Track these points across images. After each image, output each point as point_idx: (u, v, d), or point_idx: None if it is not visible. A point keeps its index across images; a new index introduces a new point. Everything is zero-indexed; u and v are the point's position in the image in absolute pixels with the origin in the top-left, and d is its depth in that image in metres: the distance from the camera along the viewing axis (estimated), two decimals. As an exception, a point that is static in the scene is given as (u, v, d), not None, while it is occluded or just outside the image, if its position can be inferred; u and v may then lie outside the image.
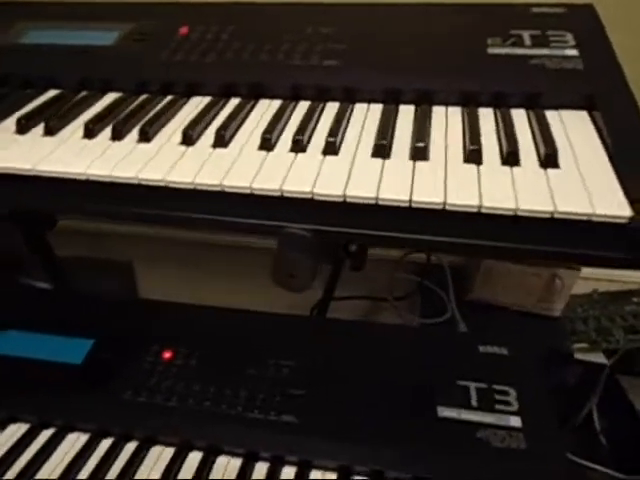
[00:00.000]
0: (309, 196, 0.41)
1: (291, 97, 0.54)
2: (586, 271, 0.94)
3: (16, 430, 0.58)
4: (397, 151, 0.44)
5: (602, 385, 0.83)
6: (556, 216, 0.37)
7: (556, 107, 0.48)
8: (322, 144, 0.46)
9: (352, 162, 0.43)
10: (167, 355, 0.65)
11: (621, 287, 0.99)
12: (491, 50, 0.53)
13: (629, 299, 0.97)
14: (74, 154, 0.47)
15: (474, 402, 0.57)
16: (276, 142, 0.47)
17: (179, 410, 0.58)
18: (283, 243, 0.41)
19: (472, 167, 0.42)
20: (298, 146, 0.45)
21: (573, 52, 0.52)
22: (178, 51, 0.58)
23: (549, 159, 0.41)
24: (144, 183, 0.44)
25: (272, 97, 0.54)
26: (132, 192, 0.44)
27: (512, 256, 0.38)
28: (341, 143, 0.46)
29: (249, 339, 0.67)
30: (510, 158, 0.42)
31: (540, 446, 0.53)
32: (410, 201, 0.39)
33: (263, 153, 0.45)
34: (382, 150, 0.44)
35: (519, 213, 0.37)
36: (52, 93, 0.58)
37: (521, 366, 0.62)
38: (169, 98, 0.55)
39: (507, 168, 0.41)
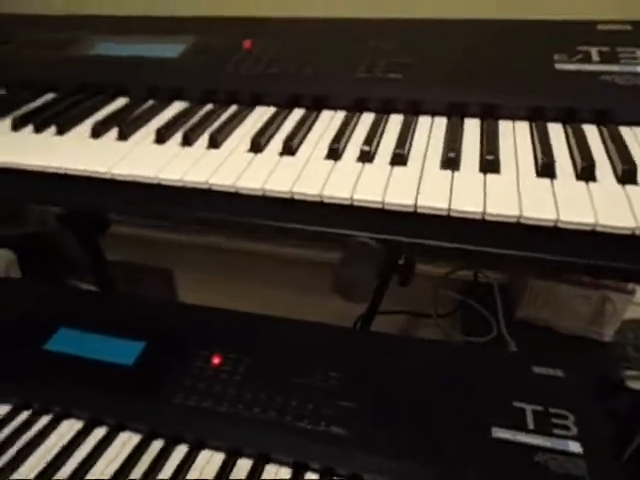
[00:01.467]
0: (379, 205, 0.41)
1: (354, 109, 0.54)
2: (639, 295, 0.90)
3: (70, 426, 0.59)
4: (466, 163, 0.44)
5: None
6: (637, 232, 0.36)
7: (629, 124, 0.47)
8: (389, 155, 0.46)
9: (421, 173, 0.43)
10: (216, 360, 0.66)
11: (677, 314, 0.95)
12: (559, 66, 0.52)
13: (685, 326, 0.93)
14: (146, 158, 0.48)
15: (530, 424, 0.56)
16: (343, 152, 0.47)
17: (229, 415, 0.59)
18: (349, 252, 0.41)
19: (545, 181, 0.41)
20: (366, 156, 0.46)
21: (644, 69, 0.51)
22: (243, 63, 0.60)
23: (626, 175, 0.40)
24: (214, 188, 0.45)
25: (335, 108, 0.55)
26: (201, 197, 0.45)
27: (591, 273, 0.37)
28: (409, 154, 0.46)
29: (297, 348, 0.67)
30: (585, 173, 0.41)
31: (602, 474, 0.51)
32: (484, 213, 0.38)
33: (330, 162, 0.46)
34: (451, 162, 0.44)
35: (598, 229, 0.37)
36: (122, 101, 0.60)
37: (578, 390, 0.60)
38: (234, 107, 0.57)
39: (582, 183, 0.41)
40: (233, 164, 0.46)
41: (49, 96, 0.63)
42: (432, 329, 0.98)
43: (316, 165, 0.46)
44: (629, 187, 0.40)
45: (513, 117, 0.50)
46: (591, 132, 0.47)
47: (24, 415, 0.61)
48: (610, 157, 0.43)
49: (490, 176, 0.42)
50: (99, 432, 0.59)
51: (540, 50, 0.55)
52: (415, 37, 0.59)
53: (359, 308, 0.93)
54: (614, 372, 0.87)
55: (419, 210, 0.40)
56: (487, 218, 0.38)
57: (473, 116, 0.51)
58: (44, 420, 0.60)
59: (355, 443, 0.55)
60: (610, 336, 0.94)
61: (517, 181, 0.41)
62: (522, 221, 0.38)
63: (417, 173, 0.43)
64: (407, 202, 0.40)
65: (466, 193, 0.40)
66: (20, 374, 0.66)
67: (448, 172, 0.43)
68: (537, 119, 0.49)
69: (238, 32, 0.65)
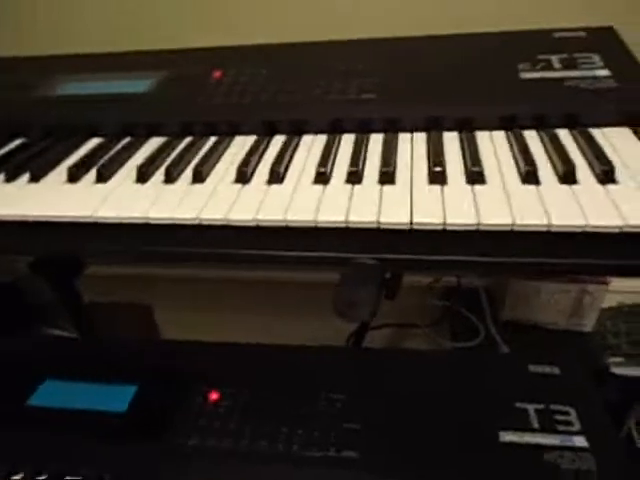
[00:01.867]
0: (375, 226, 0.41)
1: (333, 131, 0.55)
2: (612, 284, 0.94)
3: (68, 485, 0.56)
4: (453, 176, 0.45)
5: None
6: (625, 230, 0.38)
7: (597, 125, 0.49)
8: (377, 174, 0.46)
9: (411, 190, 0.44)
10: (214, 396, 0.64)
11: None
12: (524, 75, 0.55)
13: (660, 310, 0.97)
14: (131, 199, 0.47)
15: (535, 424, 0.56)
16: (330, 175, 0.47)
17: (234, 452, 0.57)
18: (349, 273, 0.41)
19: (531, 187, 0.42)
20: (354, 177, 0.46)
21: (604, 72, 0.53)
22: (215, 94, 0.60)
23: (605, 175, 0.42)
24: (205, 223, 0.44)
25: (315, 132, 0.55)
26: (191, 232, 0.44)
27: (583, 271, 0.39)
28: (395, 172, 0.47)
29: (295, 374, 0.66)
30: (568, 176, 0.42)
31: (610, 466, 0.52)
32: (478, 224, 0.39)
33: (319, 187, 0.46)
34: (439, 177, 0.45)
35: (587, 229, 0.38)
36: (95, 141, 0.59)
37: (575, 384, 0.62)
38: (213, 139, 0.56)
39: (566, 186, 0.42)
40: (221, 197, 0.46)
41: (16, 141, 0.61)
42: (420, 339, 0.99)
43: (306, 191, 0.46)
44: (610, 187, 0.41)
45: (489, 127, 0.52)
46: (565, 137, 0.49)
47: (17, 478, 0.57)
48: (587, 159, 0.45)
49: (478, 187, 0.43)
50: (100, 487, 0.56)
51: (503, 61, 0.57)
52: (381, 56, 0.61)
53: (348, 326, 0.93)
54: (600, 360, 0.90)
55: (415, 227, 0.40)
56: (482, 229, 0.39)
57: (450, 129, 0.52)
58: (38, 482, 0.57)
59: (367, 464, 0.54)
60: (591, 326, 0.97)
61: (504, 190, 0.42)
62: (515, 229, 0.39)
63: (407, 190, 0.44)
64: (402, 220, 0.41)
65: (458, 206, 0.41)
66: (5, 434, 0.62)
67: (437, 187, 0.44)
68: (512, 127, 0.51)
69: (205, 62, 0.65)
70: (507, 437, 0.55)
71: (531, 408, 0.58)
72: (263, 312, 1.12)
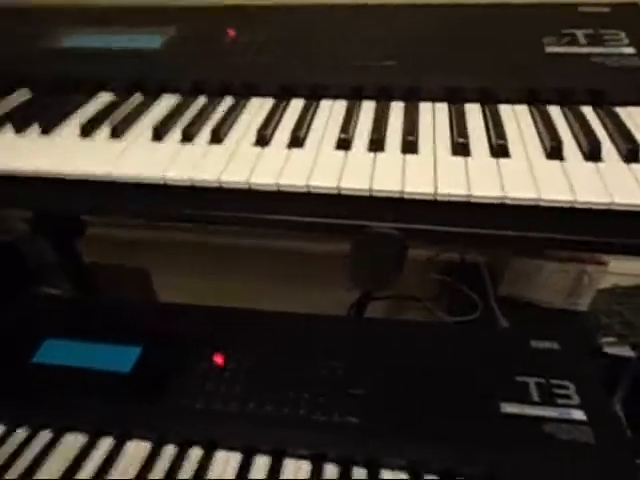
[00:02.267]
0: (398, 195, 0.41)
1: (352, 97, 0.54)
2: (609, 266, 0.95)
3: (74, 441, 0.57)
4: (476, 148, 0.45)
5: (629, 378, 0.84)
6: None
7: (622, 104, 0.49)
8: (399, 143, 0.46)
9: (435, 160, 0.43)
10: (219, 360, 0.65)
11: (640, 281, 1.01)
12: (549, 49, 0.54)
13: (653, 292, 0.98)
14: (146, 157, 0.46)
15: (535, 397, 0.58)
16: (352, 142, 0.47)
17: (240, 414, 0.58)
18: (369, 242, 0.41)
19: (556, 163, 0.42)
20: (377, 145, 0.45)
21: (630, 50, 0.52)
22: (231, 54, 0.58)
23: (632, 154, 0.42)
24: (224, 186, 0.43)
25: (334, 97, 0.54)
26: (210, 194, 0.44)
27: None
28: (418, 141, 0.46)
29: (300, 341, 0.67)
30: (593, 154, 0.42)
31: (606, 439, 0.54)
32: (503, 197, 0.39)
33: (341, 153, 0.45)
34: (463, 148, 0.44)
35: (613, 207, 0.38)
36: (106, 96, 0.57)
37: (574, 360, 0.63)
38: (228, 100, 0.55)
39: (591, 163, 0.42)
40: (241, 159, 0.45)
41: (22, 92, 0.59)
42: (418, 312, 1.00)
43: (328, 156, 0.45)
44: (635, 165, 0.41)
45: (512, 100, 0.51)
46: (589, 114, 0.48)
47: (22, 434, 0.58)
48: (612, 137, 0.45)
49: (502, 160, 0.43)
50: (105, 443, 0.56)
51: (528, 34, 0.56)
52: (404, 23, 0.59)
53: (349, 297, 0.93)
54: (594, 339, 0.92)
55: (438, 198, 0.40)
56: (507, 202, 0.39)
57: (472, 101, 0.52)
58: (44, 437, 0.57)
59: (370, 430, 0.56)
60: (586, 306, 0.99)
61: (529, 163, 0.42)
62: (540, 204, 0.39)
63: (430, 160, 0.43)
64: (427, 190, 0.40)
65: (482, 178, 0.41)
66: (9, 391, 0.62)
67: (461, 158, 0.43)
68: (535, 102, 0.50)
69: (219, 21, 0.63)
70: (508, 408, 0.57)
71: (532, 381, 0.60)
72: (264, 281, 1.12)
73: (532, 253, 0.89)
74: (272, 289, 1.06)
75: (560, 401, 0.57)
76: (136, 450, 0.56)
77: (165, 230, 1.15)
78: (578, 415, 0.56)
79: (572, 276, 0.95)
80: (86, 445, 0.56)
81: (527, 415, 0.56)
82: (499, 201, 0.39)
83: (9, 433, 0.58)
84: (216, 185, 0.43)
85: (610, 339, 0.94)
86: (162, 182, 0.44)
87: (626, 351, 0.92)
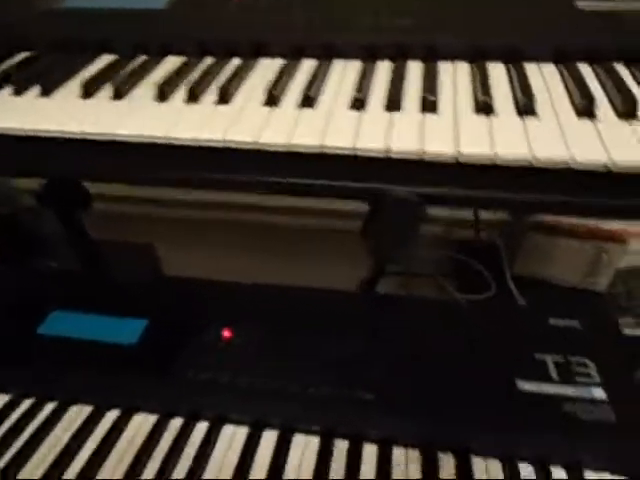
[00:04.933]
0: (417, 156, 0.38)
1: (366, 57, 0.51)
2: (630, 245, 0.92)
3: (79, 412, 0.56)
4: (501, 107, 0.42)
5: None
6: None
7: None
8: (418, 102, 0.43)
9: (455, 119, 0.41)
10: (227, 333, 0.63)
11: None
12: (580, 3, 0.50)
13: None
14: (151, 117, 0.44)
15: (554, 375, 0.56)
16: (367, 101, 0.44)
17: (248, 389, 0.56)
18: (386, 205, 0.39)
19: (587, 122, 0.39)
20: (393, 105, 0.42)
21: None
22: (237, 13, 0.55)
23: (670, 113, 0.39)
24: (232, 146, 0.41)
25: (346, 57, 0.51)
26: (216, 156, 0.41)
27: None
28: (438, 100, 0.43)
29: (310, 316, 0.65)
30: (629, 112, 0.39)
31: (629, 418, 0.52)
32: (533, 159, 0.36)
33: (355, 113, 0.43)
34: (486, 107, 0.41)
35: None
36: (108, 58, 0.54)
37: (595, 338, 0.61)
38: (236, 60, 0.52)
39: (623, 122, 0.39)
40: (249, 120, 0.43)
41: (21, 55, 0.57)
42: (430, 289, 0.98)
43: (342, 116, 0.42)
44: (674, 125, 0.38)
45: (539, 59, 0.48)
46: (622, 70, 0.45)
47: (26, 404, 0.57)
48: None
49: (528, 119, 0.40)
50: (111, 416, 0.55)
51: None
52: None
53: (359, 273, 0.91)
54: (611, 320, 0.89)
55: (461, 159, 0.37)
56: (536, 165, 0.36)
57: (496, 59, 0.48)
58: (49, 408, 0.56)
59: (382, 406, 0.54)
60: (604, 286, 0.96)
61: (558, 122, 0.39)
62: (572, 166, 0.36)
63: (451, 119, 0.41)
64: (447, 151, 0.37)
65: (508, 137, 0.38)
66: (15, 361, 0.61)
67: (484, 118, 0.41)
68: (564, 60, 0.47)
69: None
70: (526, 386, 0.55)
71: (550, 359, 0.57)
72: (272, 256, 1.10)
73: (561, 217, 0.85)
74: (280, 265, 1.04)
75: (580, 379, 0.55)
76: (142, 423, 0.54)
77: (172, 207, 1.13)
78: (599, 394, 0.54)
79: (591, 255, 0.92)
80: (91, 417, 0.55)
81: (545, 394, 0.54)
82: (527, 163, 0.36)
83: (14, 403, 0.57)
84: (222, 145, 0.41)
85: (629, 320, 0.92)
86: (166, 142, 0.42)
87: (646, 332, 0.89)
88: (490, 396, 0.54)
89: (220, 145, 0.41)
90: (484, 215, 0.92)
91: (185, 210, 1.15)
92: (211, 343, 0.62)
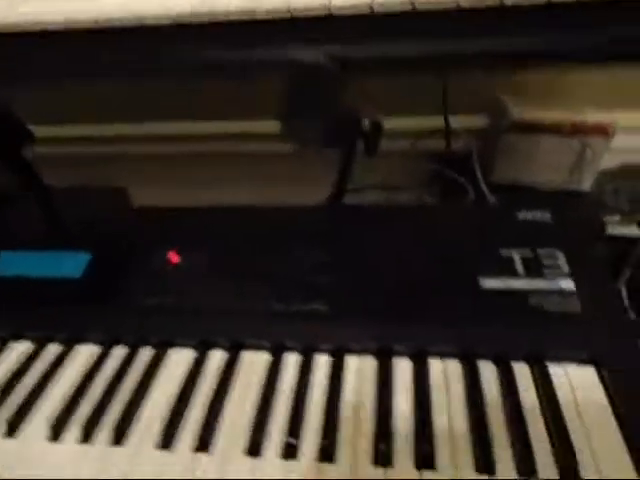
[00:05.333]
0: (324, 12, 0.32)
1: None
2: (614, 143, 0.86)
3: (23, 347, 0.53)
4: None
5: (636, 258, 0.78)
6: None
7: None
8: None
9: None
10: (174, 258, 0.59)
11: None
12: None
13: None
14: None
15: (520, 270, 0.52)
16: None
17: (195, 310, 0.53)
18: (296, 77, 0.33)
19: None
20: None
21: None
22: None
23: None
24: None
25: None
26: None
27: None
28: None
29: (262, 231, 0.61)
30: None
31: (595, 309, 0.48)
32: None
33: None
34: None
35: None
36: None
37: (566, 229, 0.56)
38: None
39: None
40: None
41: None
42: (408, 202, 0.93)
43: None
44: None
45: None
46: None
47: (-35, 343, 0.54)
48: None
49: None
50: (54, 348, 0.53)
51: None
52: None
53: (324, 192, 0.86)
54: (596, 219, 0.85)
55: (375, 8, 0.31)
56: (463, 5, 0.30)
57: None
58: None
59: (337, 316, 0.51)
60: (589, 186, 0.91)
61: None
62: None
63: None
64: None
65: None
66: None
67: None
68: None
69: None
70: (488, 284, 0.51)
71: (517, 254, 0.53)
72: (236, 186, 1.05)
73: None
74: (246, 193, 1.00)
75: (547, 272, 0.51)
76: (86, 353, 0.52)
77: (140, 143, 1.07)
78: (566, 285, 0.50)
79: (575, 151, 0.86)
80: (34, 350, 0.52)
81: (509, 289, 0.50)
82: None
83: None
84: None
85: (615, 218, 0.87)
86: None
87: (632, 230, 0.85)
88: (451, 296, 0.51)
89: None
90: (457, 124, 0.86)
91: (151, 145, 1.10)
92: (158, 269, 0.58)
